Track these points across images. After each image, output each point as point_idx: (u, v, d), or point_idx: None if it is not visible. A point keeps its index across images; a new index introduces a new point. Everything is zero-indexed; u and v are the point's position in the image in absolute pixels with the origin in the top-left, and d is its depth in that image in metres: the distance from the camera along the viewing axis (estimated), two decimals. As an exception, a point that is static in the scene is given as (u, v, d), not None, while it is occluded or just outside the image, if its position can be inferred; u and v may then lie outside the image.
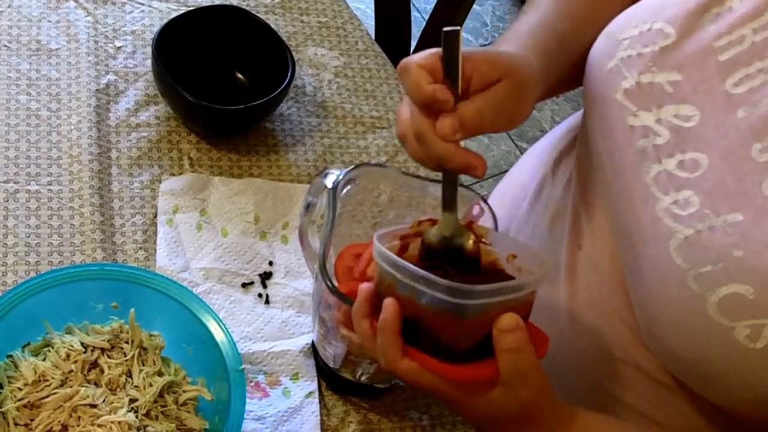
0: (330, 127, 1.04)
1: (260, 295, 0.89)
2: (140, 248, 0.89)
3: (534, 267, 0.66)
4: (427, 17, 1.47)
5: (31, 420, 0.69)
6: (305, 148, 1.02)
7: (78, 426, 0.69)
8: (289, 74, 0.96)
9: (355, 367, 0.79)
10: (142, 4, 1.08)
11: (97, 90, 0.99)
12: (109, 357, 0.74)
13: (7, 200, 0.89)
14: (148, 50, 1.01)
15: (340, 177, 0.75)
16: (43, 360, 0.72)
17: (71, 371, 0.71)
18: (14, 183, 0.90)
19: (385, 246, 0.63)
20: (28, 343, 0.75)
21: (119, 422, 0.69)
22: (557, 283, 0.78)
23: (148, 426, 0.70)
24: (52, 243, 0.87)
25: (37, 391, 0.70)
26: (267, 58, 1.00)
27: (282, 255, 0.93)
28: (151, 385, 0.73)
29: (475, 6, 2.04)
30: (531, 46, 0.70)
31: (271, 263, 0.92)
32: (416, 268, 0.60)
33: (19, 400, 0.69)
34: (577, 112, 0.88)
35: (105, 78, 1.00)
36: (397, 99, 1.09)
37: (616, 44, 0.69)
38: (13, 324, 0.73)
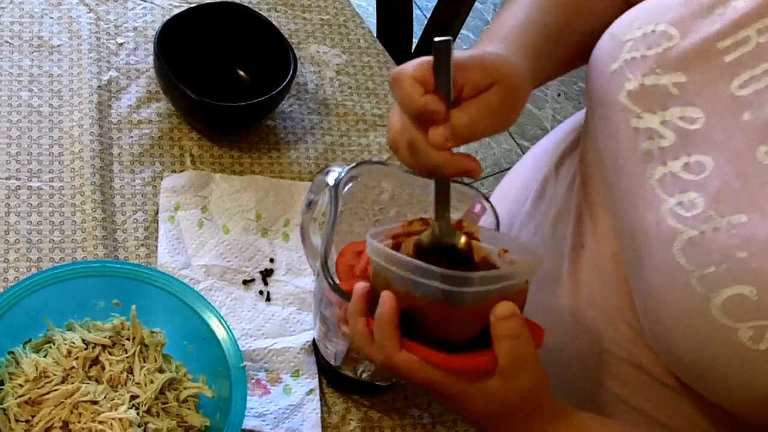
0: (331, 125, 1.04)
1: (261, 293, 0.89)
2: (141, 245, 0.89)
3: (526, 259, 0.66)
4: (428, 15, 1.47)
5: (32, 416, 0.69)
6: (307, 145, 1.02)
7: (79, 422, 0.69)
8: (291, 72, 0.96)
9: (356, 364, 0.79)
10: (144, 1, 1.08)
11: (98, 87, 0.99)
12: (110, 354, 0.74)
13: (9, 197, 0.89)
14: (150, 47, 1.01)
15: (342, 174, 0.75)
16: (45, 357, 0.72)
17: (72, 368, 0.71)
18: (16, 179, 0.90)
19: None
20: (30, 340, 0.75)
21: (120, 419, 0.69)
22: (560, 282, 0.78)
23: (149, 423, 0.71)
24: (53, 240, 0.87)
25: (38, 388, 0.70)
26: (269, 56, 1.00)
27: (283, 252, 0.93)
28: (152, 382, 0.73)
29: (476, 4, 2.04)
30: (520, 45, 0.70)
31: (272, 260, 0.92)
32: (411, 259, 0.60)
33: (20, 396, 0.69)
34: (579, 111, 0.88)
35: (107, 75, 1.00)
36: (399, 97, 1.09)
37: (620, 46, 0.68)
38: (15, 320, 0.73)
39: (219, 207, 0.94)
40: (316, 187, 0.79)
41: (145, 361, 0.74)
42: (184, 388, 0.75)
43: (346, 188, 0.77)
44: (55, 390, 0.70)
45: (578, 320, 0.76)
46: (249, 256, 0.91)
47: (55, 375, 0.70)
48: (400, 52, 1.10)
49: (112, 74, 1.01)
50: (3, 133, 0.93)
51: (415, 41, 1.62)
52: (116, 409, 0.70)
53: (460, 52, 0.61)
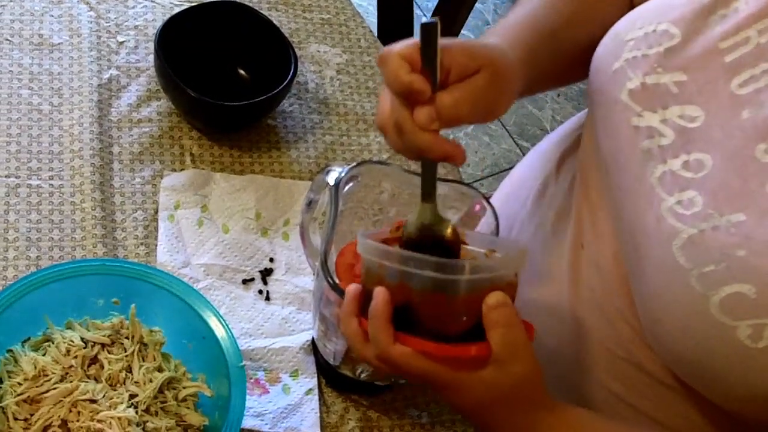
0: (332, 124, 1.04)
1: (261, 292, 0.89)
2: (141, 244, 0.89)
3: (514, 252, 0.67)
4: (429, 15, 1.47)
5: (31, 415, 0.69)
6: (307, 145, 1.02)
7: (77, 421, 0.69)
8: (292, 71, 0.96)
9: (355, 364, 0.79)
10: None
11: (99, 85, 0.99)
12: (109, 352, 0.74)
13: (8, 195, 0.89)
14: (151, 46, 1.01)
15: (343, 174, 0.75)
16: (43, 355, 0.72)
17: (71, 366, 0.71)
18: (15, 178, 0.90)
19: None
20: (29, 338, 0.75)
21: (119, 418, 0.69)
22: (560, 282, 0.78)
23: (147, 422, 0.70)
24: (52, 238, 0.87)
25: (36, 386, 0.70)
26: (269, 55, 1.00)
27: (283, 252, 0.93)
28: (151, 381, 0.73)
29: (477, 4, 2.04)
30: (514, 38, 0.71)
31: (271, 260, 0.92)
32: (404, 251, 0.62)
33: (18, 394, 0.69)
34: (580, 112, 0.88)
35: (107, 73, 1.00)
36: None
37: (622, 45, 0.69)
38: (14, 319, 0.73)
39: (219, 206, 0.94)
40: (316, 186, 0.79)
41: (144, 360, 0.74)
42: (183, 387, 0.75)
43: (347, 188, 0.77)
44: (54, 388, 0.70)
45: (578, 320, 0.76)
46: (249, 255, 0.91)
47: (53, 373, 0.70)
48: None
49: (113, 72, 1.00)
50: (3, 131, 0.93)
51: (415, 41, 1.62)
52: (115, 408, 0.69)
53: (448, 37, 0.62)
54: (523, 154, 2.19)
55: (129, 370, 0.73)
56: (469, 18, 1.75)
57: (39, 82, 0.98)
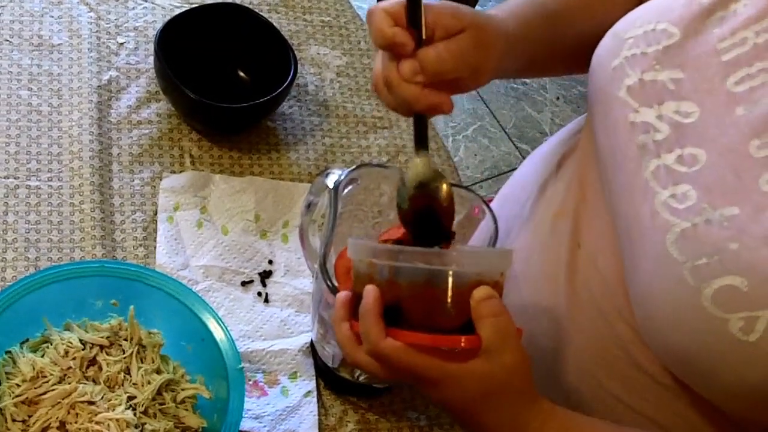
0: (332, 127, 1.04)
1: (260, 294, 0.89)
2: (140, 245, 0.89)
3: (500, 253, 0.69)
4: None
5: (29, 416, 0.69)
6: (306, 147, 1.02)
7: (76, 423, 0.69)
8: (292, 73, 0.96)
9: (354, 366, 0.79)
10: (145, 1, 1.08)
11: (98, 86, 0.99)
12: (107, 354, 0.74)
13: (7, 196, 0.89)
14: (151, 47, 1.01)
15: (342, 177, 0.75)
16: (42, 356, 0.72)
17: (70, 368, 0.71)
18: (14, 179, 0.90)
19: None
20: (27, 340, 0.75)
21: (117, 419, 0.69)
22: (557, 282, 0.78)
23: (146, 423, 0.70)
24: (51, 239, 0.87)
25: (35, 388, 0.70)
26: (269, 57, 1.00)
27: (282, 254, 0.93)
28: (149, 383, 0.73)
29: (477, 6, 2.04)
30: (514, 12, 0.74)
31: (270, 262, 0.92)
32: (392, 245, 0.63)
33: (17, 396, 0.69)
34: (580, 116, 0.88)
35: (107, 74, 1.00)
36: (399, 99, 1.09)
37: (621, 43, 0.70)
38: (12, 320, 0.73)
39: (218, 208, 0.94)
40: (315, 189, 0.79)
41: (142, 362, 0.74)
42: (182, 389, 0.75)
43: (346, 190, 0.77)
44: (52, 390, 0.70)
45: (575, 319, 0.76)
46: (248, 257, 0.91)
47: (52, 375, 0.70)
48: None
49: (112, 74, 1.00)
50: (2, 132, 0.93)
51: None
52: (113, 410, 0.69)
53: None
54: (523, 157, 2.19)
55: (127, 371, 0.73)
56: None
57: (38, 83, 0.98)
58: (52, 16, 1.03)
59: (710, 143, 0.63)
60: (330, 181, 0.76)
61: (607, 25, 0.73)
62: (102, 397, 0.70)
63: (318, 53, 1.11)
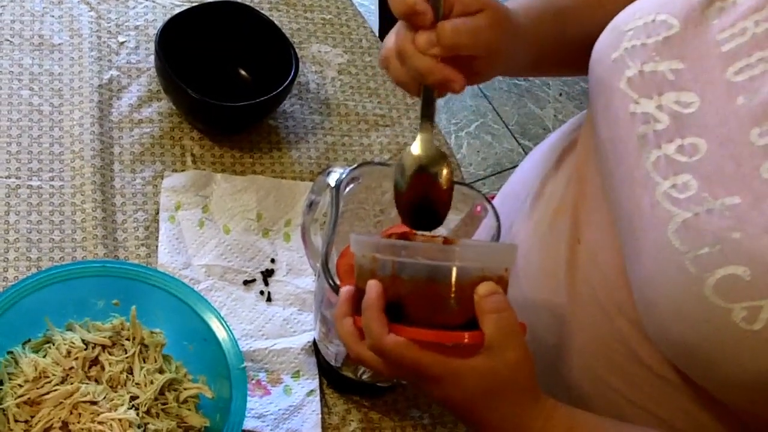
0: (333, 125, 1.04)
1: (262, 293, 0.89)
2: (142, 245, 0.89)
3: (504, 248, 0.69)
4: (431, 15, 1.47)
5: (32, 417, 0.69)
6: (308, 145, 1.01)
7: (78, 423, 0.69)
8: (293, 71, 0.96)
9: (357, 365, 0.79)
10: None
11: (99, 86, 0.98)
12: (110, 354, 0.74)
13: (9, 196, 0.88)
14: (152, 46, 1.01)
15: (344, 175, 0.75)
16: (44, 357, 0.72)
17: (72, 368, 0.71)
18: (16, 178, 0.90)
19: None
20: (29, 340, 0.75)
21: (120, 419, 0.69)
22: (557, 277, 0.78)
23: (148, 423, 0.70)
24: (53, 239, 0.87)
25: (37, 388, 0.70)
26: (270, 55, 1.00)
27: (284, 252, 0.93)
28: (152, 383, 0.72)
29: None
30: (521, 4, 0.75)
31: (273, 261, 0.92)
32: (395, 240, 0.63)
33: (19, 396, 0.69)
34: (581, 113, 0.88)
35: (108, 74, 1.00)
36: (401, 97, 1.09)
37: (621, 35, 0.70)
38: (14, 320, 0.73)
39: (220, 207, 0.94)
40: (317, 187, 0.79)
41: (145, 362, 0.74)
42: (184, 389, 0.75)
43: (348, 189, 0.77)
44: (55, 390, 0.70)
45: (576, 315, 0.76)
46: (250, 256, 0.91)
47: (54, 375, 0.70)
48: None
49: (113, 73, 1.00)
50: (3, 132, 0.93)
51: (417, 41, 1.62)
52: (116, 410, 0.69)
53: None
54: (526, 154, 2.19)
55: (130, 371, 0.73)
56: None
57: (39, 82, 0.98)
58: (53, 16, 1.03)
59: (710, 133, 0.63)
60: (332, 180, 0.75)
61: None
62: (104, 397, 0.70)
63: (319, 51, 1.10)
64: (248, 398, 0.74)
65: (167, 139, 0.97)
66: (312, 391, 0.83)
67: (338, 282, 0.72)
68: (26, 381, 0.70)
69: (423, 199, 0.66)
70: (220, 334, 0.76)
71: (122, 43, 1.03)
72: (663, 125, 0.65)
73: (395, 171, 0.67)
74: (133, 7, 1.07)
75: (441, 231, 0.75)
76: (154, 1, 1.08)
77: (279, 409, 0.81)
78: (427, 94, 0.66)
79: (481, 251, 0.66)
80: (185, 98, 0.93)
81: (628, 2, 0.75)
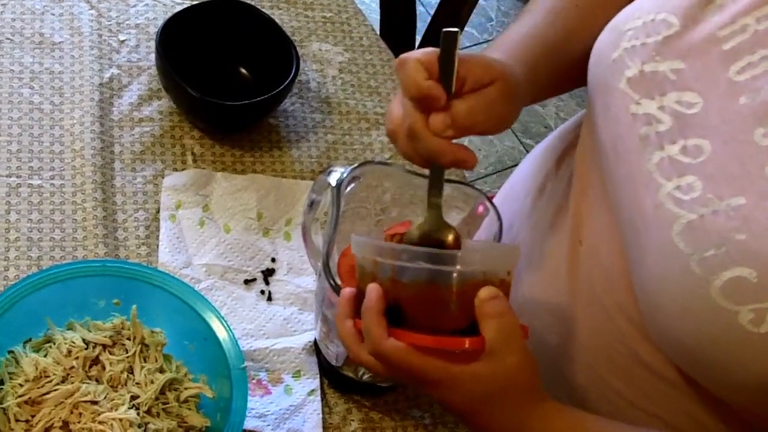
0: (334, 124, 1.04)
1: (263, 292, 0.89)
2: (142, 244, 0.89)
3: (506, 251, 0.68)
4: (432, 13, 1.47)
5: (32, 416, 0.69)
6: (309, 144, 1.01)
7: (79, 423, 0.69)
8: (294, 70, 0.96)
9: (357, 364, 0.79)
10: (146, -2, 1.08)
11: (100, 84, 0.98)
12: (110, 353, 0.73)
13: (9, 194, 0.88)
14: (152, 44, 1.00)
15: (344, 174, 0.75)
16: (45, 356, 0.72)
17: (72, 367, 0.71)
18: (16, 177, 0.90)
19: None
20: (30, 339, 0.75)
21: (120, 419, 0.69)
22: (558, 278, 0.78)
23: (149, 423, 0.70)
24: (54, 238, 0.87)
25: (38, 388, 0.70)
26: (271, 54, 1.00)
27: (285, 252, 0.92)
28: (152, 382, 0.72)
29: (480, 1, 2.03)
30: (516, 55, 0.73)
31: (273, 260, 0.92)
32: (396, 244, 0.62)
33: (20, 396, 0.69)
34: (582, 111, 0.88)
35: (108, 72, 1.00)
36: (402, 95, 1.08)
37: (620, 35, 0.69)
38: (15, 320, 0.73)
39: (220, 206, 0.93)
40: (318, 186, 0.78)
41: (145, 361, 0.74)
42: (185, 389, 0.75)
43: (348, 188, 0.77)
44: (55, 390, 0.70)
45: (578, 316, 0.76)
46: (250, 255, 0.91)
47: (55, 375, 0.70)
48: (403, 50, 1.09)
49: (114, 72, 1.00)
50: (4, 131, 0.93)
51: (418, 39, 1.62)
52: (116, 410, 0.69)
53: (464, 51, 0.64)
54: (527, 152, 2.18)
55: (130, 371, 0.73)
56: (472, 15, 1.75)
57: (40, 81, 0.97)
58: (53, 14, 1.03)
59: (714, 133, 0.62)
60: (332, 179, 0.75)
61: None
62: (105, 397, 0.70)
63: (320, 50, 1.10)
64: (249, 398, 0.74)
65: (168, 138, 0.97)
66: (313, 390, 0.83)
67: (339, 282, 0.72)
68: (27, 380, 0.70)
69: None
70: (221, 333, 0.76)
71: (123, 41, 1.03)
72: (665, 126, 0.65)
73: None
74: (134, 6, 1.07)
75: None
76: (154, 0, 1.08)
77: (280, 409, 0.81)
78: (437, 173, 0.65)
79: (483, 254, 0.65)
80: (186, 97, 0.93)
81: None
